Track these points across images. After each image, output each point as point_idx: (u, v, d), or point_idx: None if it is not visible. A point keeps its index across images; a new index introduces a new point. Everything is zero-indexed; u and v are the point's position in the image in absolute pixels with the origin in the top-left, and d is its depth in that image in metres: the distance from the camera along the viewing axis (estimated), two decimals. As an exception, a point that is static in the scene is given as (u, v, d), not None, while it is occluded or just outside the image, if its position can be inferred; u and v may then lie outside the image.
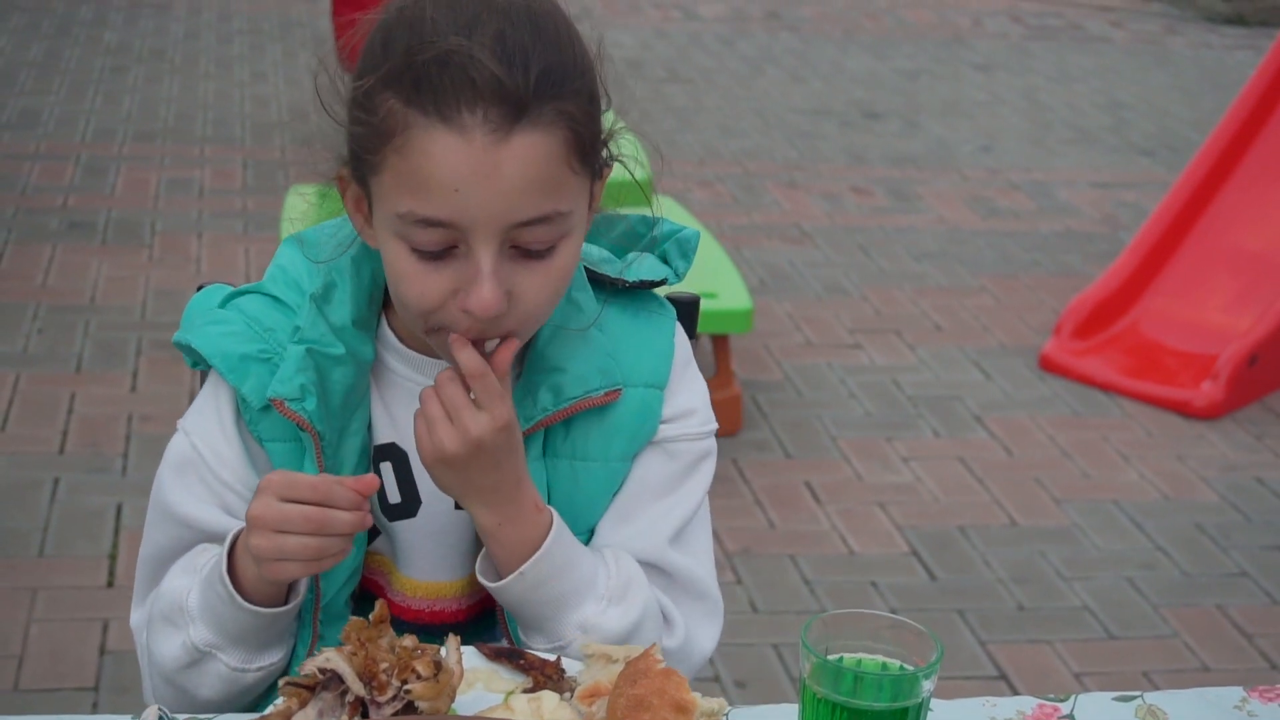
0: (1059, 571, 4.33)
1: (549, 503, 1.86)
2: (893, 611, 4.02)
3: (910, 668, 1.52)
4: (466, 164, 1.62)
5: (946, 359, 5.66)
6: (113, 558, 4.01)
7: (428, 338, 1.78)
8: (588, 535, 1.92)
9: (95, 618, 3.75)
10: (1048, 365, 5.61)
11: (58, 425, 4.69)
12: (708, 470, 1.98)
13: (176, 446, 1.88)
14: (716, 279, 4.97)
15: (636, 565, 1.89)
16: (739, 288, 4.96)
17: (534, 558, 1.79)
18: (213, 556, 1.80)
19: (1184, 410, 5.33)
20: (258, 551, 1.67)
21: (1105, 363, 5.58)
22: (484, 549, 1.83)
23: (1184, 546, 4.50)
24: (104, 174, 6.90)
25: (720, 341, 4.91)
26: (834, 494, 4.66)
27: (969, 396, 5.37)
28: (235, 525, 1.82)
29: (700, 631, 1.94)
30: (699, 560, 1.96)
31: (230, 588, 1.74)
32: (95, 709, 3.41)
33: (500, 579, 1.82)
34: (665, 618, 1.90)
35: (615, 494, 1.91)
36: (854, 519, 4.53)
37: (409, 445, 1.87)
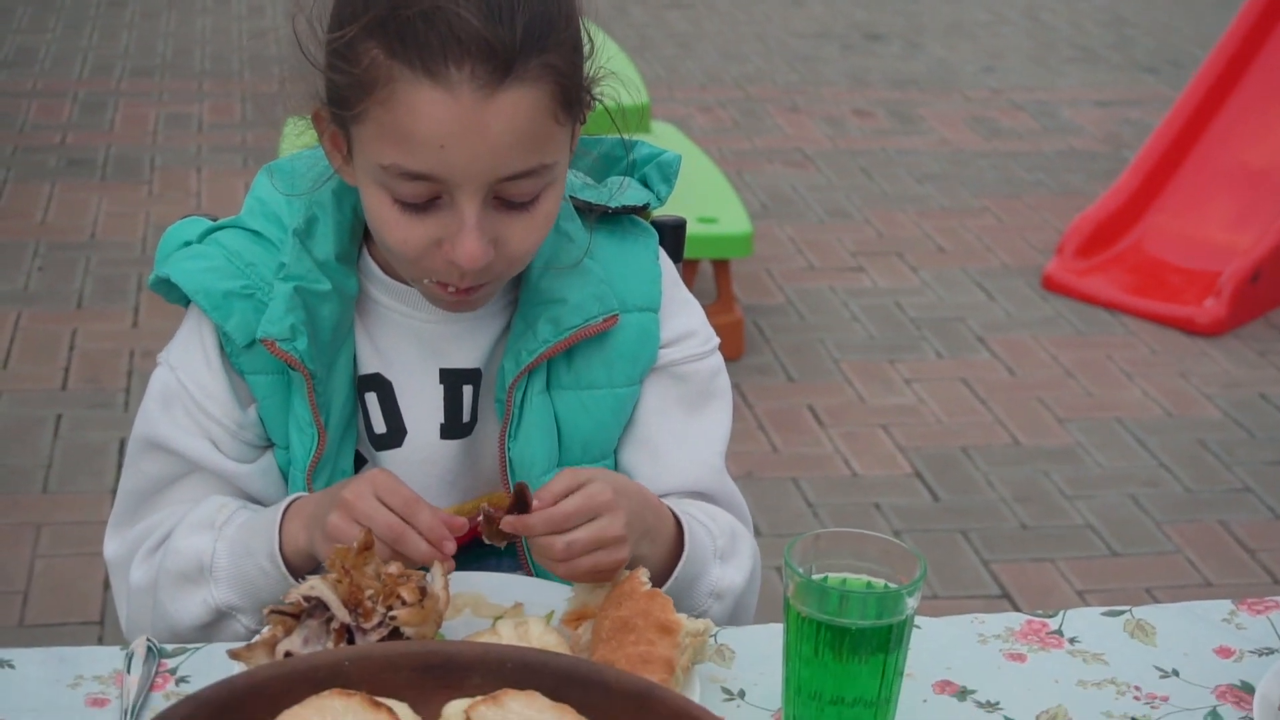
0: (1062, 490, 4.33)
1: (560, 436, 1.88)
2: (895, 533, 4.03)
3: (894, 585, 1.52)
4: (453, 121, 1.61)
5: (949, 280, 5.64)
6: (116, 493, 4.01)
7: (414, 284, 1.78)
8: (605, 463, 1.92)
9: (99, 552, 3.67)
10: (1050, 285, 5.59)
11: (59, 362, 4.70)
12: (725, 387, 1.99)
13: (161, 380, 1.87)
14: (717, 204, 4.96)
15: (729, 516, 1.91)
16: (739, 212, 4.95)
17: (680, 564, 1.78)
18: (238, 519, 1.80)
19: (1187, 327, 5.31)
20: (333, 531, 1.65)
21: (1108, 281, 5.57)
22: None
23: (1187, 463, 4.50)
24: (102, 110, 6.88)
25: (721, 266, 4.90)
26: (836, 416, 4.66)
27: (971, 317, 5.36)
28: (223, 460, 1.83)
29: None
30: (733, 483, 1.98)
31: (283, 566, 1.74)
32: (101, 643, 3.43)
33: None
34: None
35: (627, 422, 1.92)
36: (856, 441, 4.53)
37: (393, 375, 1.88)
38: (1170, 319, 5.35)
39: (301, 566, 1.75)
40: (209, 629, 1.81)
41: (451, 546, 1.64)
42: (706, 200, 4.95)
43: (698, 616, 1.79)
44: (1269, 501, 4.31)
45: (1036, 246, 5.95)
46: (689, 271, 4.69)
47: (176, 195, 6.00)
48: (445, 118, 1.61)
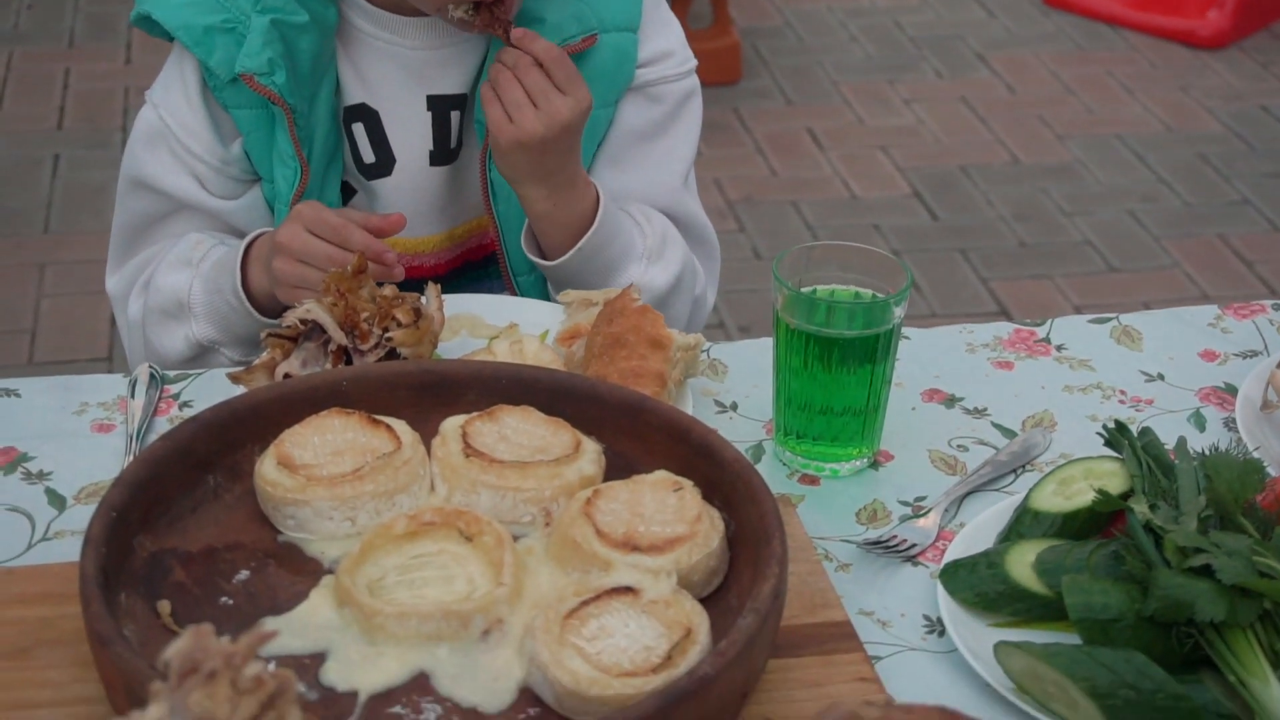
0: (1060, 207, 4.33)
1: None
2: (894, 253, 4.05)
3: (881, 296, 1.54)
4: None
5: (949, -2, 5.57)
6: (117, 231, 4.03)
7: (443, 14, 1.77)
8: None
9: (104, 290, 3.76)
10: (1051, 0, 5.51)
11: (54, 101, 4.67)
12: (696, 109, 1.98)
13: (145, 118, 1.88)
14: (711, -76, 4.87)
15: (666, 220, 1.92)
16: (734, -68, 4.86)
17: (589, 233, 1.81)
18: (213, 255, 1.83)
19: (1189, 40, 5.25)
20: (280, 275, 1.70)
21: (1110, -5, 5.49)
22: (525, 228, 1.85)
23: (1186, 177, 4.49)
24: None
25: (717, -12, 4.84)
26: (836, 139, 4.64)
27: (972, 35, 5.30)
28: (208, 197, 1.85)
29: (710, 281, 1.99)
30: (699, 202, 1.99)
31: (247, 303, 1.77)
32: (110, 378, 3.48)
33: (548, 257, 1.84)
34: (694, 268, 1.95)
35: (600, 142, 1.92)
36: (856, 163, 4.52)
37: (380, 104, 1.88)
38: (1172, 32, 5.29)
39: (269, 304, 1.78)
40: (195, 362, 1.85)
41: (391, 256, 1.67)
42: (701, -80, 4.86)
43: None
44: (1268, 214, 4.31)
45: (1038, -40, 5.85)
46: (684, -6, 4.62)
47: (163, -71, 5.89)
48: None
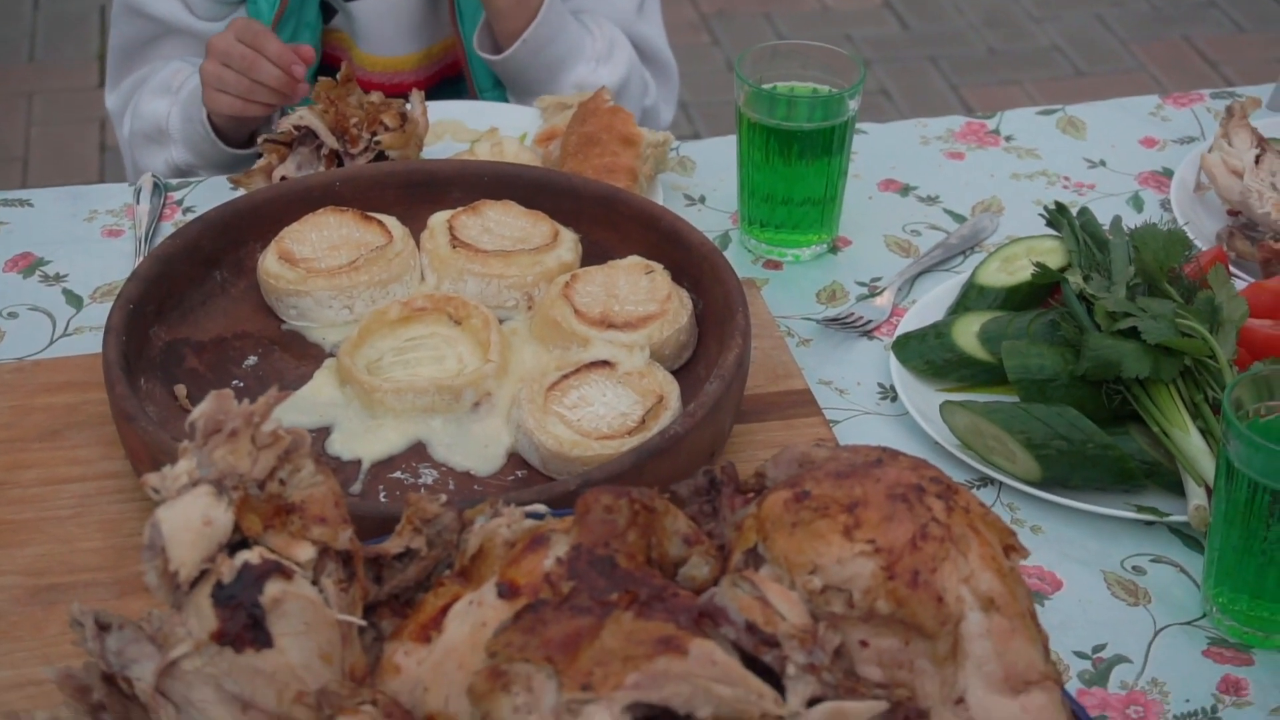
0: (1029, 13, 4.39)
1: None
2: (866, 62, 4.12)
3: (837, 90, 1.64)
4: None
5: None
6: (102, 58, 4.08)
7: None
8: None
9: (92, 117, 3.85)
10: None
11: (31, -70, 4.70)
12: None
13: None
14: None
15: (615, 27, 2.00)
16: None
17: (534, 23, 1.90)
18: (190, 84, 1.92)
19: None
20: (204, 75, 1.80)
21: None
22: (480, 24, 1.94)
23: (1153, -20, 4.56)
24: None
25: None
26: (807, -50, 4.68)
27: None
28: (194, 20, 1.95)
29: (664, 98, 2.08)
30: (658, 29, 2.08)
31: (212, 134, 1.87)
32: (103, 202, 3.56)
33: (500, 51, 1.93)
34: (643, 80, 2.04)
35: None
36: (827, -26, 4.57)
37: None
38: None
39: (234, 135, 1.88)
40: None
41: (300, 70, 1.76)
42: None
43: None
44: (1233, 15, 4.38)
45: None
46: None
47: None
48: None
